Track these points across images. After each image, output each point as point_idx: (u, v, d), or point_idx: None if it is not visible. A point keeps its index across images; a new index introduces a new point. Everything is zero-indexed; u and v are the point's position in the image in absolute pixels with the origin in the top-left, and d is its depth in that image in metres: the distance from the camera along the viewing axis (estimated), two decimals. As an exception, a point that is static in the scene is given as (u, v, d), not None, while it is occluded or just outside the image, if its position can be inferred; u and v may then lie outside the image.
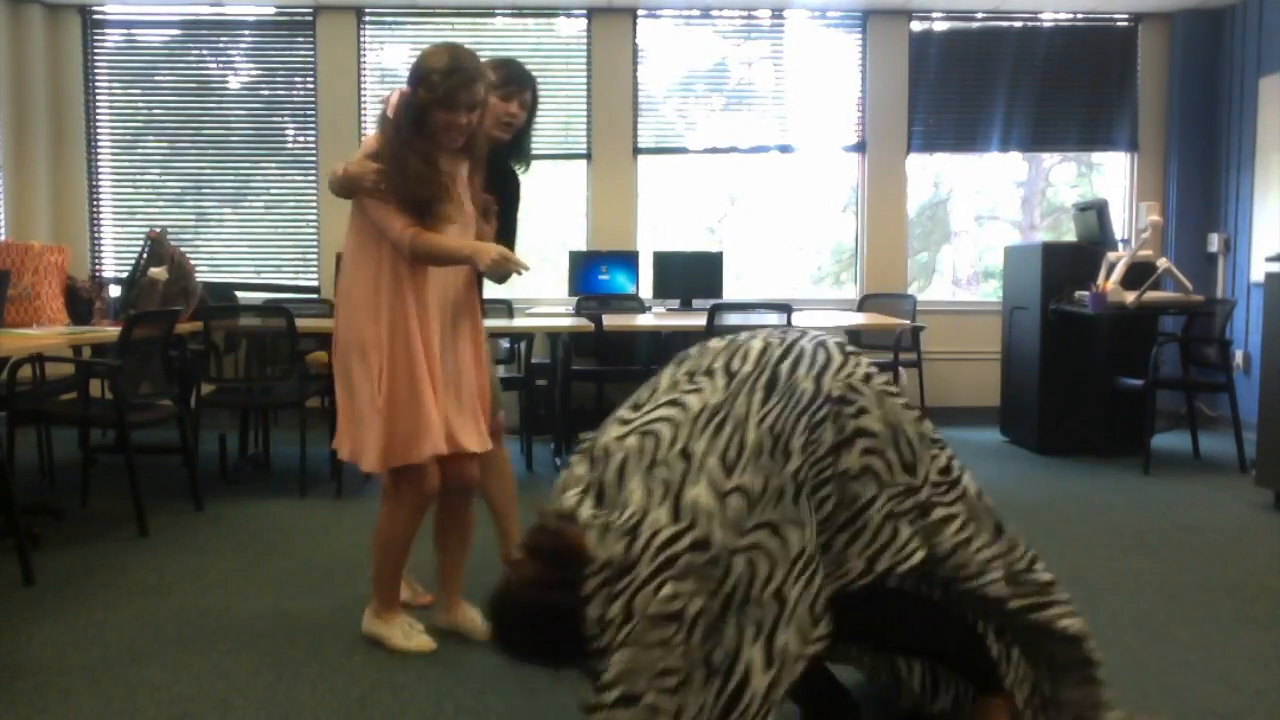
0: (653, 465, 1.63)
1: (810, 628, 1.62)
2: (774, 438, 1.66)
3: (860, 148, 6.70)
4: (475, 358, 2.68)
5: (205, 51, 6.65)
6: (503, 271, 2.44)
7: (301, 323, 4.71)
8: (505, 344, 5.67)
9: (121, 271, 6.15)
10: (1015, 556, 1.88)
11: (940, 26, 6.68)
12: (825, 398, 1.72)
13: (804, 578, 1.63)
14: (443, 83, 2.41)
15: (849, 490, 1.72)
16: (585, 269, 6.24)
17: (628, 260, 6.26)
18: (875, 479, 1.73)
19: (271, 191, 6.75)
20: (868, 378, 1.79)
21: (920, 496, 1.76)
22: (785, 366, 1.76)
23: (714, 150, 6.74)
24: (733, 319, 4.91)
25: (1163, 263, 5.24)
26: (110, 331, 4.08)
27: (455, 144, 2.52)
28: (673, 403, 1.73)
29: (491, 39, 6.55)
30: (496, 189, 2.80)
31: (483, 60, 2.81)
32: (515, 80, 2.80)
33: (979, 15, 6.61)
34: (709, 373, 1.79)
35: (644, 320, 5.45)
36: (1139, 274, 5.17)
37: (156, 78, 6.64)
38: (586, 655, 1.58)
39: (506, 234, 2.87)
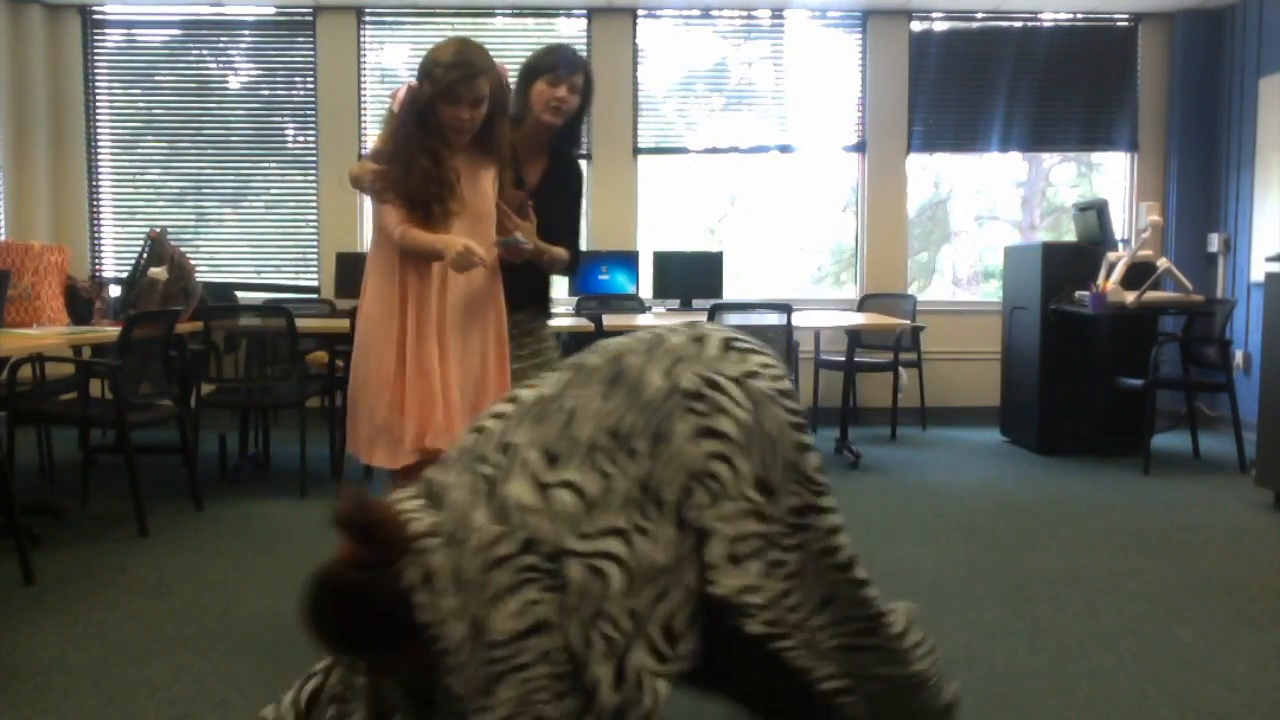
0: (476, 462, 1.51)
1: (666, 645, 1.45)
2: (613, 436, 1.48)
3: (860, 148, 6.70)
4: (494, 359, 2.62)
5: (205, 51, 6.65)
6: (466, 264, 2.38)
7: (301, 323, 4.71)
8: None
9: (121, 271, 6.15)
10: (827, 635, 1.58)
11: (940, 26, 6.68)
12: (675, 391, 1.50)
13: (655, 591, 1.45)
14: (445, 76, 2.40)
15: (685, 491, 1.49)
16: (585, 269, 6.24)
17: (628, 260, 6.26)
18: (709, 486, 1.47)
19: (271, 191, 6.75)
20: (749, 375, 1.54)
21: (767, 527, 1.50)
22: (636, 360, 1.55)
23: (714, 150, 6.74)
24: (733, 319, 4.91)
25: (1163, 263, 5.24)
26: (110, 331, 4.08)
27: (461, 140, 2.49)
28: (510, 399, 1.61)
29: (492, 39, 6.55)
30: (554, 179, 2.77)
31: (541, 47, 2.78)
32: (563, 64, 2.73)
33: (979, 15, 6.61)
34: (555, 367, 1.66)
35: (644, 320, 5.45)
36: (1139, 274, 5.17)
37: (156, 78, 6.64)
38: (406, 647, 1.43)
39: (568, 226, 2.82)
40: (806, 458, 1.55)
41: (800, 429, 1.55)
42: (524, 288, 2.78)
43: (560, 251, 2.75)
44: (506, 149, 2.60)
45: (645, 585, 1.44)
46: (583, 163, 6.54)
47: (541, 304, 2.88)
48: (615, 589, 1.42)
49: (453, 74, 2.40)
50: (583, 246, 6.11)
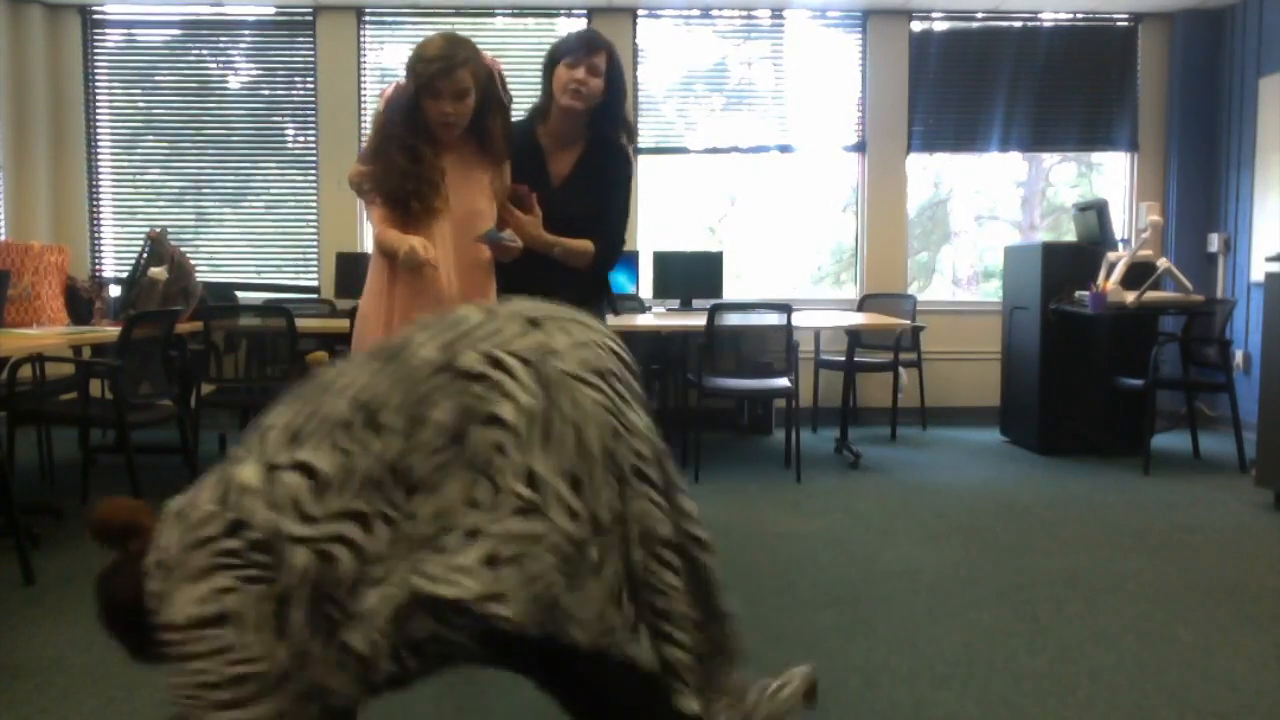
0: (239, 447, 1.42)
1: (380, 634, 1.27)
2: (363, 410, 1.32)
3: (860, 148, 6.70)
4: None
5: (205, 51, 6.65)
6: (411, 264, 2.34)
7: (301, 323, 4.72)
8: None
9: (121, 271, 6.15)
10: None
11: (940, 26, 6.68)
12: (448, 369, 1.32)
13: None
14: (425, 70, 2.38)
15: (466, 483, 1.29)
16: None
17: (628, 260, 6.25)
18: (486, 481, 1.28)
19: (271, 191, 6.75)
20: (547, 353, 1.34)
21: (567, 528, 1.27)
22: (422, 335, 1.39)
23: (714, 150, 6.74)
24: (733, 319, 4.91)
25: (1163, 263, 5.24)
26: (110, 331, 4.09)
27: (449, 135, 2.46)
28: None
29: (491, 39, 6.54)
30: (588, 168, 2.69)
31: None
32: (580, 45, 2.65)
33: (979, 15, 6.61)
34: None
35: (644, 320, 5.45)
36: (1139, 274, 5.17)
37: (156, 78, 6.64)
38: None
39: (600, 217, 2.68)
40: (620, 447, 1.34)
41: (618, 412, 1.34)
42: (568, 286, 2.58)
43: (579, 244, 2.63)
44: (502, 143, 2.55)
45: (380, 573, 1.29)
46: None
47: (588, 303, 2.68)
48: (347, 576, 1.27)
49: (432, 68, 2.37)
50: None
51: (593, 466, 1.31)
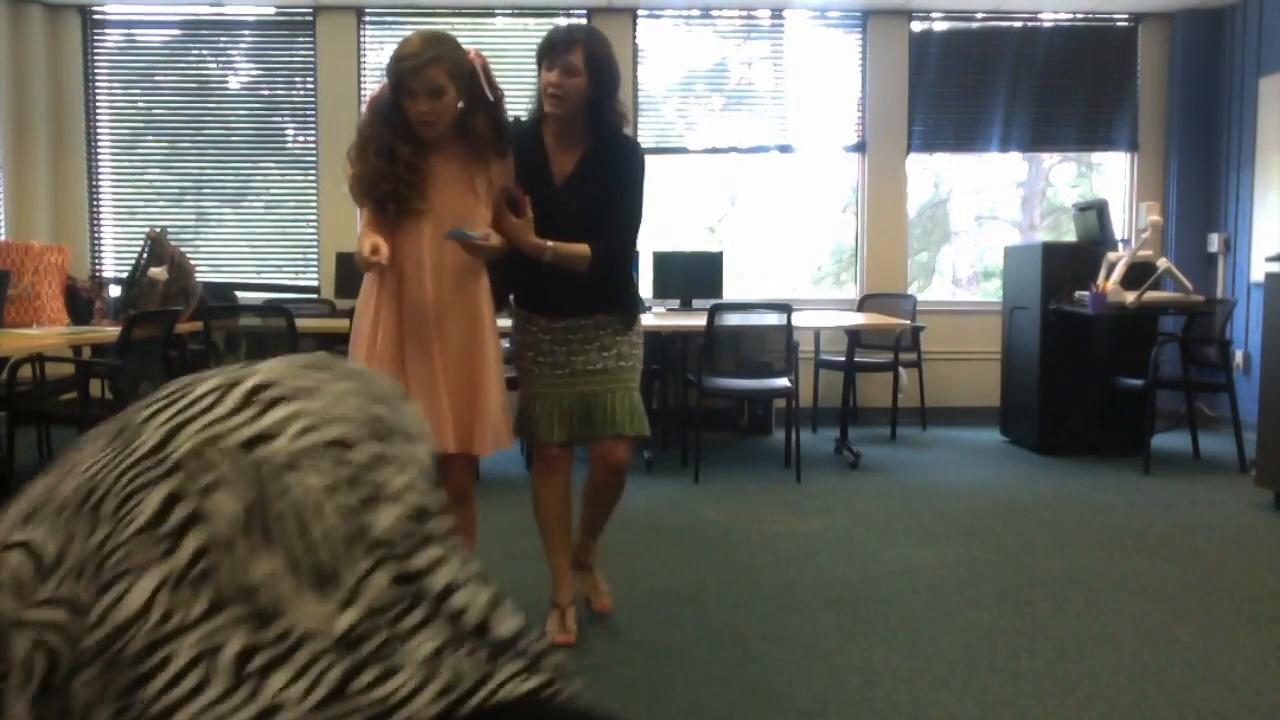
0: None
1: None
2: (88, 492, 1.21)
3: (860, 148, 6.70)
4: (479, 363, 2.55)
5: (205, 51, 6.65)
6: (362, 265, 2.33)
7: (301, 323, 4.72)
8: (506, 345, 5.66)
9: (121, 271, 6.15)
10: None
11: (940, 26, 6.68)
12: (161, 456, 1.21)
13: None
14: (398, 69, 2.37)
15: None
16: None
17: (628, 260, 6.25)
18: (207, 590, 1.12)
19: (271, 191, 6.75)
20: (261, 438, 1.19)
21: (313, 627, 1.12)
22: (148, 410, 1.29)
23: (714, 150, 6.74)
24: (733, 319, 4.91)
25: (1163, 263, 5.24)
26: (110, 331, 4.09)
27: (430, 133, 2.43)
28: None
29: (491, 39, 6.55)
30: (588, 170, 2.62)
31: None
32: (553, 46, 2.58)
33: (979, 15, 6.61)
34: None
35: (644, 320, 5.44)
36: (1139, 274, 5.17)
37: (156, 78, 6.64)
38: None
39: (598, 218, 2.58)
40: (374, 519, 1.20)
41: (350, 485, 1.21)
42: (572, 288, 2.59)
43: (573, 249, 2.54)
44: (491, 140, 2.50)
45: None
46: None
47: (598, 309, 2.66)
48: (63, 668, 1.15)
49: (403, 66, 2.36)
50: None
51: (335, 550, 1.16)
